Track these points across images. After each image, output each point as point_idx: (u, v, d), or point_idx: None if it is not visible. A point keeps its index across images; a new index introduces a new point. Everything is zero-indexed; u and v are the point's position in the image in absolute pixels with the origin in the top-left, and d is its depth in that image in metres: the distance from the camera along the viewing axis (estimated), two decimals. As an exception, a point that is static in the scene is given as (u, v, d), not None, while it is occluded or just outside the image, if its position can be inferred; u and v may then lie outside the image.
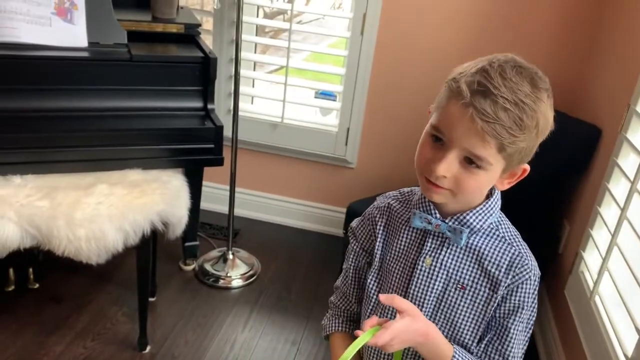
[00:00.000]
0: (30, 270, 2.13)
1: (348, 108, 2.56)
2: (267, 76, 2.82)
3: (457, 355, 0.90)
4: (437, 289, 0.94)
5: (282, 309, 2.28)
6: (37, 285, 2.13)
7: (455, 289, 0.93)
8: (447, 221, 0.91)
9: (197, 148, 1.92)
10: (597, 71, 2.16)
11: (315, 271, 2.53)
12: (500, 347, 0.93)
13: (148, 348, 1.96)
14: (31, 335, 1.97)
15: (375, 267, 1.01)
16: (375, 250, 1.01)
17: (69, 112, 1.81)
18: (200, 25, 2.16)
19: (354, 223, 1.08)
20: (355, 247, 1.06)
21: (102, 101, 1.87)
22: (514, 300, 0.91)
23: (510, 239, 0.94)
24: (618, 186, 1.66)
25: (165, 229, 1.77)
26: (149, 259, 1.83)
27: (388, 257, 0.99)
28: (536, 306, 0.94)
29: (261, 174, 2.80)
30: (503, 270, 0.91)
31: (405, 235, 0.97)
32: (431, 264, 0.94)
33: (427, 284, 0.94)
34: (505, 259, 0.91)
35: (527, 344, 0.96)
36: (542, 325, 2.21)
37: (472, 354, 0.94)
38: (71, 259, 1.80)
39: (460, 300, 0.93)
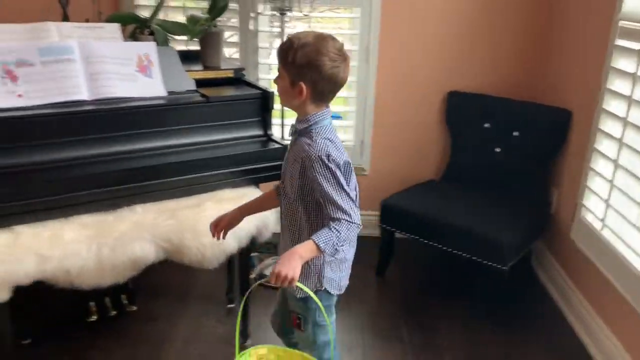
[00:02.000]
0: (124, 296, 2.42)
1: (361, 123, 3.04)
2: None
3: (315, 239, 1.42)
4: (286, 163, 1.58)
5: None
6: (135, 308, 2.41)
7: (290, 163, 1.54)
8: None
9: (269, 166, 2.31)
10: (562, 66, 2.77)
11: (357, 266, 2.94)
12: (326, 200, 1.46)
13: (249, 341, 2.29)
14: (147, 347, 2.26)
15: None
16: None
17: (165, 149, 2.15)
18: (244, 69, 2.57)
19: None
20: None
21: (188, 137, 2.22)
22: (312, 175, 1.47)
23: (314, 139, 1.48)
24: (602, 146, 2.23)
25: (263, 232, 2.15)
26: (248, 260, 2.19)
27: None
28: (331, 171, 1.45)
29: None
30: (303, 153, 1.48)
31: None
32: (290, 150, 1.58)
33: (286, 160, 1.59)
34: (305, 148, 1.48)
35: (345, 192, 1.47)
36: (552, 278, 2.74)
37: (294, 200, 1.55)
38: (153, 285, 2.11)
39: (291, 169, 1.53)
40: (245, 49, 2.91)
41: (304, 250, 1.42)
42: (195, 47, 2.62)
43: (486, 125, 2.91)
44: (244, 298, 1.66)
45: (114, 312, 2.35)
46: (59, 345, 2.24)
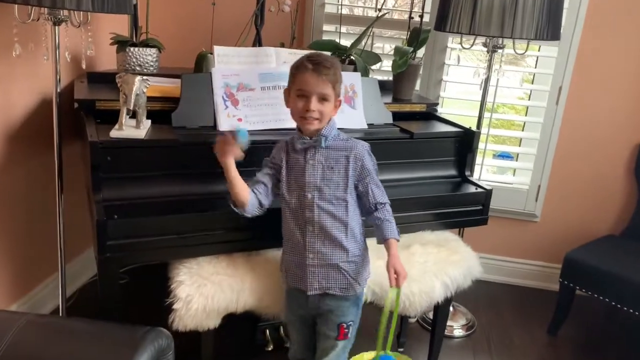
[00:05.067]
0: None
1: (539, 167, 2.86)
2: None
3: (394, 237, 1.64)
4: (318, 173, 1.61)
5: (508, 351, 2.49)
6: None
7: (328, 169, 1.61)
8: (313, 138, 1.61)
9: (469, 210, 2.17)
10: None
11: (525, 320, 2.75)
12: (375, 186, 1.65)
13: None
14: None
15: (283, 179, 1.65)
16: (282, 168, 1.66)
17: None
18: (437, 104, 2.47)
19: (273, 151, 1.72)
20: (270, 161, 1.71)
21: (385, 174, 2.14)
22: (361, 166, 1.63)
23: (346, 138, 1.66)
24: None
25: (467, 279, 2.01)
26: (449, 310, 2.06)
27: (290, 169, 1.65)
28: (374, 161, 1.67)
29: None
30: (346, 151, 1.62)
31: (295, 154, 1.64)
32: (312, 162, 1.62)
33: (313, 172, 1.61)
34: (347, 146, 1.63)
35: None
36: None
37: (344, 200, 1.61)
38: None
39: (332, 173, 1.61)
40: (428, 82, 2.81)
41: (395, 249, 1.62)
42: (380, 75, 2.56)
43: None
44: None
45: (270, 347, 2.26)
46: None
